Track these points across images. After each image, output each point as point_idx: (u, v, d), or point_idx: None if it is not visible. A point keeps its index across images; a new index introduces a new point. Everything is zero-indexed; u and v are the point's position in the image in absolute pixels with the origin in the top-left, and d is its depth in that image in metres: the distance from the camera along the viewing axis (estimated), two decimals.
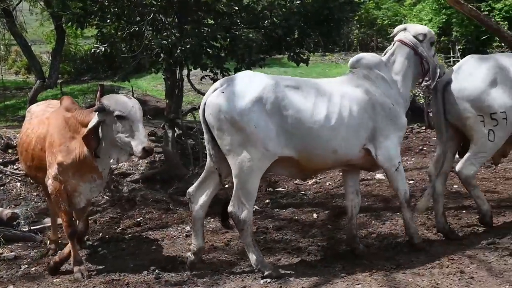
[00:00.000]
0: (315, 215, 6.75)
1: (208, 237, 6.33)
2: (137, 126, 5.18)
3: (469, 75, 5.62)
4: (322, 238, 5.96)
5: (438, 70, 5.55)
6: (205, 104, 5.05)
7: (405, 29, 5.70)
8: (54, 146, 5.54)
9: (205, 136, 5.16)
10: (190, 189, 5.42)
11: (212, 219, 7.04)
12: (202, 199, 5.39)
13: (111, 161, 5.50)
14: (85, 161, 5.44)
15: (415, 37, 5.58)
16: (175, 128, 12.56)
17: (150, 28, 12.88)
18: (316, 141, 5.01)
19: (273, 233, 6.21)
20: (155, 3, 12.12)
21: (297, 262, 5.34)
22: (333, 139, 5.06)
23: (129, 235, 6.70)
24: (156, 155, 14.69)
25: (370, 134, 5.23)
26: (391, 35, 5.99)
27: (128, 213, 7.55)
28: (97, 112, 5.27)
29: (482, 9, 19.74)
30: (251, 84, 4.97)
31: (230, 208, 5.04)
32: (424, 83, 5.65)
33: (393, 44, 5.73)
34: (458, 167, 5.94)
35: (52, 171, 5.53)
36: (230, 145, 4.90)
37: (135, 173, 13.95)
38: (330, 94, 5.15)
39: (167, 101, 12.80)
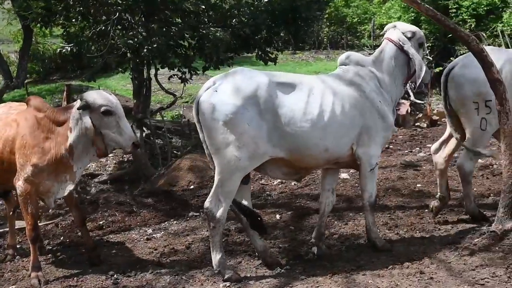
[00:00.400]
0: (278, 216, 6.69)
1: (169, 240, 6.26)
2: (123, 121, 5.18)
3: (474, 61, 5.62)
4: (283, 240, 5.91)
5: (423, 72, 5.46)
6: (198, 103, 4.94)
7: (394, 26, 5.64)
8: (27, 147, 5.40)
9: (200, 135, 5.02)
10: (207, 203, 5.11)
11: (174, 221, 6.97)
12: (244, 203, 5.20)
13: (90, 159, 5.47)
14: (62, 161, 5.34)
15: (403, 34, 5.52)
16: (143, 128, 12.41)
17: (117, 27, 12.76)
18: (309, 140, 4.95)
19: (235, 235, 6.14)
20: (120, 2, 11.97)
21: (258, 264, 5.28)
22: (325, 137, 5.00)
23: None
24: (124, 156, 14.61)
25: (359, 132, 5.19)
26: (381, 33, 5.94)
27: (91, 216, 7.43)
28: (80, 110, 5.18)
29: (450, 7, 19.86)
30: (245, 82, 4.88)
31: (207, 204, 4.93)
32: (410, 84, 5.66)
33: (382, 42, 5.68)
34: (458, 162, 6.08)
35: (24, 173, 5.39)
36: (220, 144, 4.81)
37: (103, 174, 13.86)
38: (323, 91, 5.08)
39: (135, 101, 12.65)
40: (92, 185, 11.38)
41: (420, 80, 5.47)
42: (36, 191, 5.42)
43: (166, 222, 7.03)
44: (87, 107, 5.17)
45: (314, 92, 5.04)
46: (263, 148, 4.85)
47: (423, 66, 5.48)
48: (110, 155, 14.64)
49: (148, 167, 12.59)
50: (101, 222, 7.19)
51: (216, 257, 4.96)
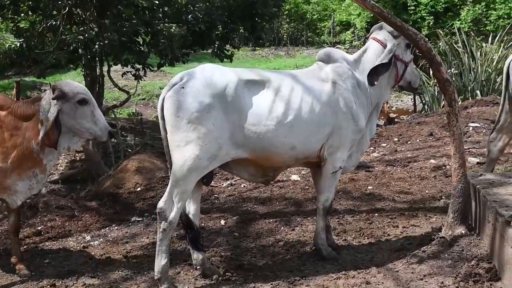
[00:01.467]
0: (223, 222, 6.42)
1: (107, 248, 5.95)
2: (97, 111, 5.12)
3: None
4: (226, 248, 5.65)
5: (410, 75, 5.33)
6: (163, 99, 4.67)
7: (381, 27, 5.40)
8: None
9: (162, 133, 4.74)
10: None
11: (116, 227, 6.67)
12: (191, 206, 5.00)
13: (62, 150, 5.25)
14: (31, 157, 5.11)
15: (390, 33, 5.28)
16: None
17: (69, 22, 12.41)
18: (274, 139, 4.72)
19: (176, 243, 5.86)
20: None
21: (197, 275, 5.01)
22: (291, 135, 4.77)
23: (26, 246, 6.25)
24: (77, 155, 14.25)
25: (330, 131, 4.96)
26: (367, 36, 5.70)
27: (30, 221, 7.08)
28: (54, 100, 4.98)
29: (408, 4, 19.94)
30: (214, 79, 4.64)
31: (160, 204, 4.64)
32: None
33: (367, 42, 5.45)
34: None
35: None
36: (181, 141, 4.55)
37: (55, 173, 13.50)
38: (292, 88, 4.85)
39: None
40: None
41: (400, 83, 5.38)
42: None
43: (107, 228, 6.71)
44: (62, 97, 4.98)
45: (283, 89, 4.81)
46: (225, 149, 4.62)
47: (411, 72, 5.35)
48: (62, 154, 14.40)
49: (101, 166, 12.27)
50: (39, 228, 6.83)
51: (160, 262, 4.67)
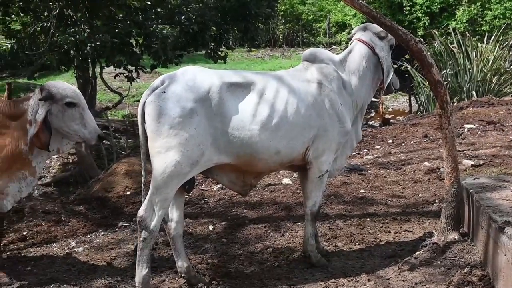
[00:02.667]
0: (211, 227, 6.27)
1: (91, 254, 5.79)
2: (87, 113, 4.97)
3: None
4: (213, 255, 5.49)
5: (391, 75, 5.17)
6: (144, 104, 4.52)
7: (365, 28, 5.26)
8: None
9: (141, 138, 4.59)
10: None
11: (102, 233, 6.52)
12: (174, 213, 4.85)
13: (51, 152, 5.08)
14: (20, 157, 4.96)
15: (376, 34, 5.16)
16: None
17: (59, 23, 12.28)
18: (259, 143, 4.59)
19: (162, 249, 5.71)
20: None
21: (183, 283, 4.86)
22: (276, 139, 4.64)
23: (9, 252, 6.10)
24: (69, 157, 14.12)
25: (315, 134, 4.83)
26: (349, 36, 5.56)
27: (15, 226, 6.93)
28: (42, 101, 4.84)
29: (404, 4, 19.84)
30: (195, 83, 4.49)
31: (141, 212, 4.49)
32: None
33: (351, 43, 5.31)
34: None
35: None
36: (161, 147, 4.41)
37: (47, 176, 13.36)
38: (277, 90, 4.72)
39: None
40: (35, 187, 10.84)
41: (385, 87, 5.20)
42: None
43: (93, 234, 6.57)
44: (49, 98, 4.85)
45: (267, 91, 4.68)
46: (208, 154, 4.48)
47: (391, 71, 5.20)
48: (54, 156, 14.26)
49: (94, 168, 12.15)
50: (24, 233, 6.69)
51: (141, 272, 4.52)
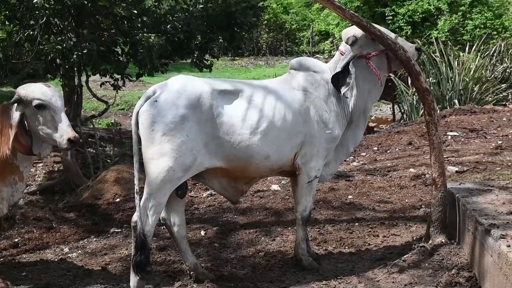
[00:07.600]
0: (202, 232, 6.37)
1: (85, 260, 5.86)
2: (59, 116, 4.74)
3: None
4: (206, 259, 5.59)
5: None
6: (137, 114, 4.62)
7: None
8: None
9: (134, 147, 4.68)
10: (162, 214, 4.88)
11: (94, 239, 6.58)
12: (176, 218, 4.93)
13: (33, 157, 5.07)
14: (7, 162, 4.96)
15: (346, 42, 5.19)
16: None
17: (46, 32, 12.29)
18: (249, 148, 4.72)
19: (155, 254, 5.78)
20: (48, 6, 11.52)
21: (177, 286, 4.96)
22: (265, 144, 4.77)
23: (2, 259, 6.14)
24: (55, 165, 14.11)
25: (302, 140, 4.94)
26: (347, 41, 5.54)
27: (7, 233, 6.97)
28: (15, 104, 4.79)
29: (386, 14, 20.07)
30: (186, 90, 4.63)
31: (135, 218, 4.58)
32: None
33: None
34: None
35: None
36: (155, 154, 4.54)
37: (32, 184, 13.34)
38: (265, 96, 4.85)
39: (65, 108, 12.14)
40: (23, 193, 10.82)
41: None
42: None
43: (86, 240, 6.63)
44: (19, 101, 4.77)
45: (255, 98, 4.82)
46: (200, 159, 4.61)
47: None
48: (40, 164, 14.25)
49: (79, 177, 12.16)
50: (16, 240, 6.74)
51: (136, 277, 4.62)
